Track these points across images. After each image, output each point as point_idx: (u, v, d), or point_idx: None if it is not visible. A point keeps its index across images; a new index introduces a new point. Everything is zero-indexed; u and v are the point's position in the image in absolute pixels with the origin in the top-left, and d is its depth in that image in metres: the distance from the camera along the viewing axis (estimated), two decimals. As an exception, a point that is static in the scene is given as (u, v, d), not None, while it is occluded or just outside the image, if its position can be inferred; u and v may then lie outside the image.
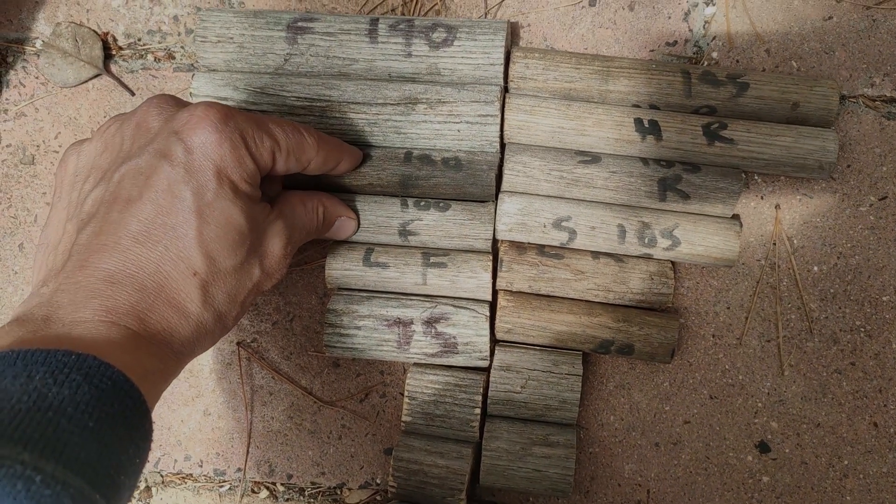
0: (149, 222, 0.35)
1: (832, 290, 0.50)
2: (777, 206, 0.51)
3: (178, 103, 0.40)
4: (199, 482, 0.54)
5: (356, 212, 0.48)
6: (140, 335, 0.34)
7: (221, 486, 0.54)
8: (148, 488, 0.55)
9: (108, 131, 0.40)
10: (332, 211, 0.46)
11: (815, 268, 0.51)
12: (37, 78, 0.55)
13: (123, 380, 0.31)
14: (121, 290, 0.34)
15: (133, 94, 0.54)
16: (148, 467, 0.54)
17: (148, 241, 0.35)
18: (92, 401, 0.29)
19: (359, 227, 0.48)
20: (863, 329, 0.50)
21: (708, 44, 0.51)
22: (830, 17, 0.50)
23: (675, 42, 0.51)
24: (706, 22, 0.51)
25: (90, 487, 0.27)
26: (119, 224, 0.35)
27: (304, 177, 0.48)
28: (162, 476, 0.55)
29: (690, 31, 0.51)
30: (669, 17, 0.51)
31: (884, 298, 0.50)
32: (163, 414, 0.54)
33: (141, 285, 0.35)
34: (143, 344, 0.34)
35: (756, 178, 0.51)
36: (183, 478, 0.54)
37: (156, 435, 0.54)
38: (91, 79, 0.54)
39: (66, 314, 0.33)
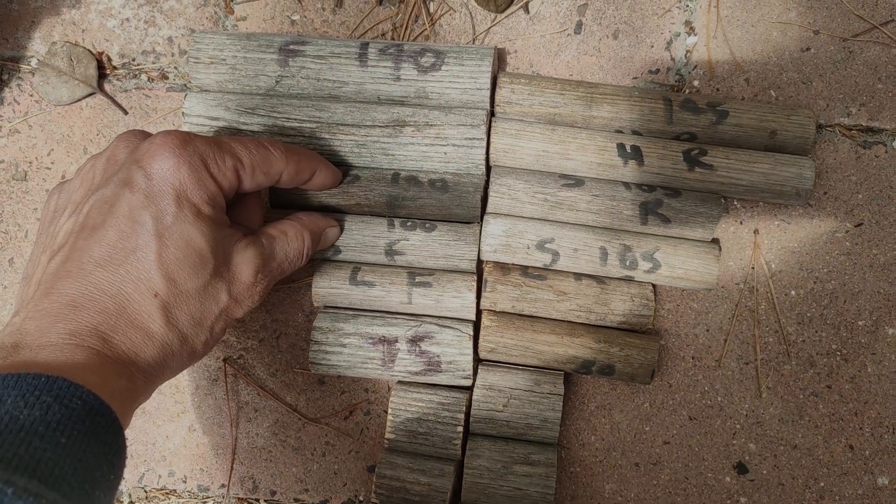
0: (111, 247, 0.36)
1: (809, 314, 0.52)
2: (756, 231, 0.52)
3: (144, 135, 0.42)
4: (183, 498, 0.55)
5: (347, 232, 0.49)
6: (106, 356, 0.35)
7: (205, 502, 0.54)
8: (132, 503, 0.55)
9: (84, 168, 0.42)
10: (314, 229, 0.46)
11: (793, 292, 0.52)
12: (31, 96, 0.56)
13: (93, 398, 0.32)
14: (84, 313, 0.35)
15: (126, 112, 0.55)
16: (132, 482, 0.55)
17: (109, 265, 0.36)
18: (63, 420, 0.30)
19: (342, 230, 0.49)
20: (839, 353, 0.51)
21: (689, 72, 0.53)
22: (808, 49, 0.52)
23: (658, 70, 0.53)
24: (688, 51, 0.53)
25: (65, 500, 0.28)
26: (84, 251, 0.37)
27: (294, 196, 0.49)
28: (146, 491, 0.55)
29: (672, 59, 0.53)
30: (652, 46, 0.53)
31: (859, 323, 0.51)
32: (147, 429, 0.55)
33: (103, 307, 0.36)
34: (110, 364, 0.35)
35: (735, 203, 0.52)
36: (167, 493, 0.55)
37: (140, 450, 0.54)
38: (85, 97, 0.55)
39: (33, 340, 0.34)
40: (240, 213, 0.44)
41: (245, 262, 0.41)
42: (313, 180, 0.46)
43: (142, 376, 0.37)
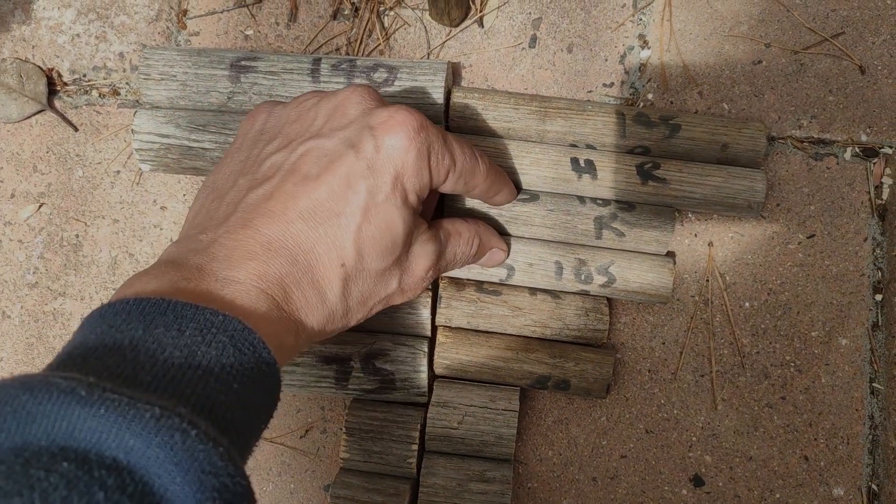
0: (318, 203, 0.36)
1: (763, 326, 0.52)
2: (710, 244, 0.52)
3: (380, 99, 0.40)
4: (138, 520, 0.54)
5: None
6: (283, 309, 0.34)
7: (160, 524, 0.54)
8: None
9: (305, 104, 0.41)
10: (486, 243, 0.46)
11: (747, 304, 0.52)
12: (-20, 113, 0.55)
13: (263, 347, 0.31)
14: (276, 258, 0.34)
15: (76, 129, 0.54)
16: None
17: (312, 221, 0.35)
18: (235, 364, 0.30)
19: (506, 257, 0.49)
20: (793, 364, 0.52)
21: (644, 85, 0.53)
22: (760, 62, 0.52)
23: (613, 83, 0.53)
24: (642, 65, 0.53)
25: (234, 448, 0.27)
26: (291, 196, 0.36)
27: None
28: (99, 514, 0.54)
29: (627, 73, 0.53)
30: (606, 60, 0.53)
31: (812, 334, 0.52)
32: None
33: (294, 259, 0.35)
34: (284, 318, 0.34)
35: (689, 216, 0.52)
36: (121, 516, 0.54)
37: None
38: (35, 114, 0.54)
39: (219, 269, 0.33)
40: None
41: (423, 256, 0.40)
42: (496, 198, 0.46)
43: (305, 336, 0.36)
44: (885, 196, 0.52)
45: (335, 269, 0.36)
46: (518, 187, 0.49)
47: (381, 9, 0.54)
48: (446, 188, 0.41)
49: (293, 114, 0.41)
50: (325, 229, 0.36)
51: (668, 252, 0.52)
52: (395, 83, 0.48)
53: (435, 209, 0.48)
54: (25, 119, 0.54)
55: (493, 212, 0.48)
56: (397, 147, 0.37)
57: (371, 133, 0.37)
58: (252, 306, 0.33)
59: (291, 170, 0.37)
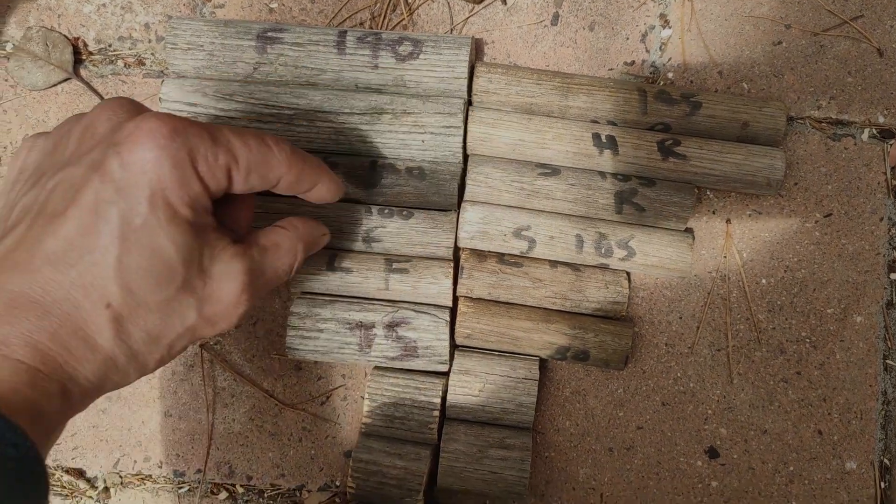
0: (67, 242, 0.32)
1: (779, 302, 0.52)
2: (728, 221, 0.53)
3: (133, 109, 0.36)
4: (159, 483, 0.54)
5: (324, 219, 0.48)
6: (37, 370, 0.30)
7: (181, 488, 0.54)
8: (106, 489, 0.55)
9: (62, 129, 0.37)
10: (309, 241, 0.42)
11: (764, 280, 0.53)
12: (6, 80, 0.55)
13: (6, 427, 0.27)
14: (22, 314, 0.31)
15: (102, 98, 0.55)
16: (107, 468, 0.54)
17: (61, 264, 0.31)
18: None
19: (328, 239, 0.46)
20: (808, 340, 0.52)
21: (664, 64, 0.53)
22: (780, 43, 0.53)
23: (633, 62, 0.53)
24: (662, 44, 0.53)
25: None
26: (37, 240, 0.32)
27: None
28: (121, 477, 0.55)
29: (647, 51, 0.53)
30: (627, 38, 0.53)
31: (828, 311, 0.52)
32: (123, 414, 0.54)
33: (45, 311, 0.31)
34: (41, 380, 0.30)
35: (708, 193, 0.53)
36: (142, 479, 0.55)
37: (115, 435, 0.54)
38: (60, 83, 0.55)
39: None
40: (228, 211, 0.38)
41: (230, 279, 0.36)
42: (312, 192, 0.41)
43: (77, 391, 0.32)
44: (900, 177, 0.53)
45: (100, 312, 0.32)
46: (544, 164, 0.49)
47: (405, -16, 0.54)
48: (238, 188, 0.36)
49: (49, 144, 0.36)
50: (77, 270, 0.31)
51: (687, 228, 0.53)
52: (420, 57, 0.49)
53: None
54: (51, 87, 0.55)
55: (515, 185, 0.49)
56: (146, 160, 0.32)
57: (116, 151, 0.32)
58: None
59: (40, 210, 0.33)
